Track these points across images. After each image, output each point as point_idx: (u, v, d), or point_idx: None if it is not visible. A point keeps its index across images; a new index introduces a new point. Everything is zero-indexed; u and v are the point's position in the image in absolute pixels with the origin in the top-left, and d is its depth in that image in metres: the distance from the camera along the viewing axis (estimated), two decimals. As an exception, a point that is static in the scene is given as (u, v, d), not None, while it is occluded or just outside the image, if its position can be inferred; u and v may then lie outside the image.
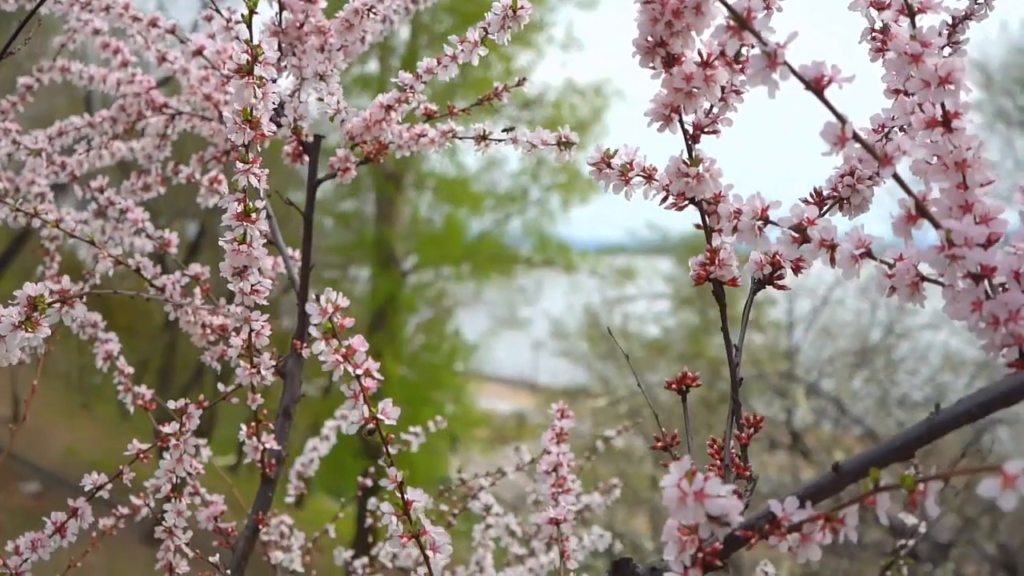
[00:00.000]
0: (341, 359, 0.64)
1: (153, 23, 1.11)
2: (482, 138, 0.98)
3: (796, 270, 0.70)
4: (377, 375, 0.66)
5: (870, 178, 0.70)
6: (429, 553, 0.67)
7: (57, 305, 0.68)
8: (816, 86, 0.53)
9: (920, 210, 0.54)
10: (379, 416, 0.66)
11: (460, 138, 1.00)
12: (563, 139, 0.88)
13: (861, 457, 0.53)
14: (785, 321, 7.97)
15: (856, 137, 0.52)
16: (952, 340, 7.97)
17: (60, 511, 0.97)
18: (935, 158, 0.57)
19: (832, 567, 6.52)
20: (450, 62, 0.95)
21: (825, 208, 0.71)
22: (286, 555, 1.31)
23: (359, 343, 0.65)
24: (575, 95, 10.50)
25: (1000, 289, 0.55)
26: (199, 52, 1.07)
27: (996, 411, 0.51)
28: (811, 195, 0.72)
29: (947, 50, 0.74)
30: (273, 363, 0.94)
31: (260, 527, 1.02)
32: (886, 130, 0.71)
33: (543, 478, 1.00)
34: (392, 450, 0.69)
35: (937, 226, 0.53)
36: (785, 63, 0.52)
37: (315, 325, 0.63)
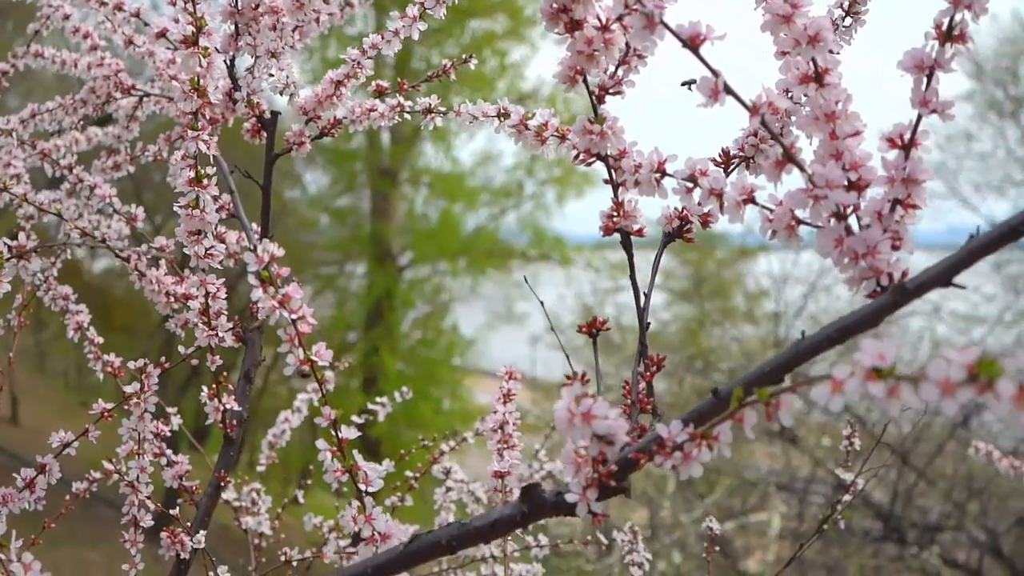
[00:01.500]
0: (277, 305, 0.70)
1: (118, 7, 1.16)
2: (428, 111, 1.04)
3: (704, 224, 0.75)
4: (312, 320, 0.71)
5: (773, 138, 0.75)
6: (362, 486, 0.72)
7: (14, 260, 0.73)
8: (692, 44, 0.58)
9: (788, 156, 0.59)
10: (313, 358, 0.71)
11: (409, 112, 1.06)
12: (502, 111, 0.93)
13: (736, 382, 0.58)
14: (773, 312, 8.04)
15: (728, 90, 0.58)
16: (940, 328, 8.04)
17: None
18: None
19: (822, 555, 6.59)
20: (393, 36, 1.00)
21: (732, 166, 0.76)
22: (255, 519, 1.37)
23: (294, 291, 0.70)
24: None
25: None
26: (162, 34, 1.12)
27: (854, 336, 0.56)
28: (719, 154, 0.77)
29: (848, 20, 0.80)
30: (230, 326, 0.99)
31: (222, 484, 1.08)
32: (789, 93, 0.76)
33: (489, 435, 1.05)
34: (332, 391, 0.74)
35: (803, 170, 0.58)
36: (662, 23, 0.57)
37: (252, 273, 0.68)
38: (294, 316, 0.70)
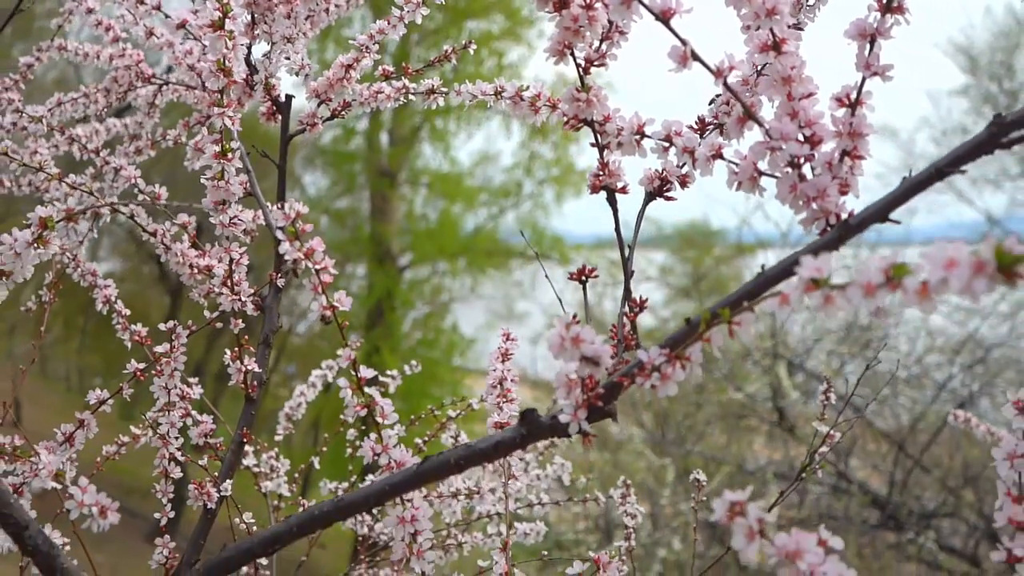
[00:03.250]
0: (303, 257, 0.78)
1: (140, 1, 1.25)
2: (431, 92, 1.12)
3: (683, 184, 0.84)
4: (333, 271, 0.80)
5: (735, 97, 0.83)
6: (379, 419, 0.81)
7: (64, 222, 0.82)
8: (664, 17, 0.66)
9: (747, 113, 0.67)
10: (335, 304, 0.80)
11: (413, 94, 1.14)
12: (498, 89, 1.01)
13: (704, 309, 0.67)
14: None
15: (695, 56, 0.66)
16: (936, 319, 8.13)
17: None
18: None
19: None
20: (398, 22, 1.09)
21: (708, 131, 0.85)
22: (274, 482, 1.45)
23: (318, 244, 0.79)
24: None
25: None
26: (182, 26, 1.21)
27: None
28: (695, 121, 0.85)
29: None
30: (252, 291, 1.07)
31: (245, 442, 1.16)
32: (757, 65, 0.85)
33: (489, 391, 1.13)
34: (369, 377, 0.83)
35: (761, 125, 0.67)
36: (637, -1, 0.66)
37: (279, 228, 0.77)
38: (317, 267, 0.78)
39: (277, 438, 1.58)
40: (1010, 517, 0.64)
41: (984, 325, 8.11)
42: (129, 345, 1.24)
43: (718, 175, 0.71)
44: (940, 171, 0.61)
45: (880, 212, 0.62)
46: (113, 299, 1.29)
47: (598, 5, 0.74)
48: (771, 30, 0.69)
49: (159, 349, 1.06)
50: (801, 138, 0.68)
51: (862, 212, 0.64)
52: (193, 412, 1.23)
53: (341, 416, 1.59)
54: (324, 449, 1.62)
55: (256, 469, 1.45)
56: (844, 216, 0.66)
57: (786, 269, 0.65)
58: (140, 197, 1.27)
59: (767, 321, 8.68)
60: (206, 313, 1.11)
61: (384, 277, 11.26)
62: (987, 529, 6.22)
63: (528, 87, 0.88)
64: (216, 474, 1.09)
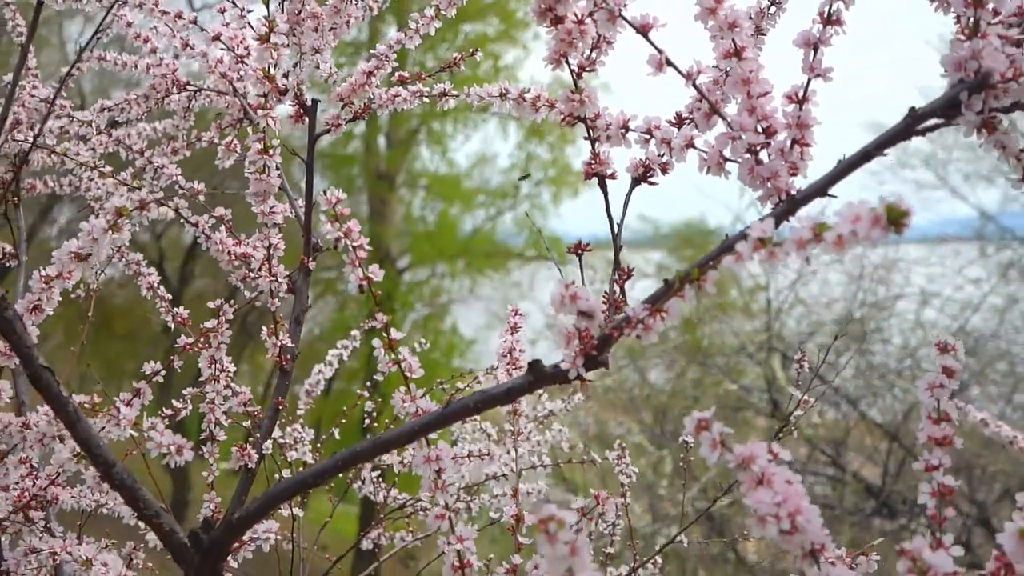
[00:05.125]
0: (343, 236, 0.92)
1: (179, 16, 1.39)
2: (443, 95, 1.26)
3: (663, 171, 0.98)
4: (367, 247, 0.94)
5: (703, 97, 0.97)
6: (408, 374, 0.95)
7: (137, 211, 0.95)
8: (643, 30, 0.81)
9: (712, 109, 0.82)
10: (370, 275, 0.94)
11: (427, 97, 1.28)
12: (503, 91, 1.15)
13: (677, 273, 0.81)
14: (767, 301, 8.28)
15: (669, 63, 0.80)
16: (931, 314, 8.28)
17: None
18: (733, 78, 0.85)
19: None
20: (413, 33, 1.23)
21: (684, 126, 0.99)
22: (299, 451, 1.59)
23: (355, 225, 0.93)
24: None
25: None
26: (217, 38, 1.35)
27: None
28: (674, 116, 0.99)
29: (772, 8, 1.02)
30: (287, 273, 1.21)
31: (280, 408, 1.30)
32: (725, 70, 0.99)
33: (500, 360, 1.27)
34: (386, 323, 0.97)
35: (724, 119, 0.81)
36: (621, 16, 0.80)
37: (323, 211, 0.91)
38: (355, 244, 0.93)
39: (299, 412, 1.72)
40: (929, 435, 0.78)
41: (976, 318, 8.26)
42: (172, 327, 1.39)
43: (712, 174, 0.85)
44: (867, 154, 0.75)
45: (820, 189, 0.76)
46: (156, 285, 1.43)
47: (588, 20, 0.88)
48: (732, 40, 0.83)
49: (207, 325, 1.19)
50: (758, 129, 0.82)
51: (805, 189, 0.78)
52: (233, 384, 1.37)
53: (357, 390, 1.73)
54: (343, 421, 1.76)
55: (282, 440, 1.59)
56: (793, 193, 0.80)
57: (742, 234, 0.79)
58: (180, 193, 1.41)
59: (763, 318, 8.83)
60: (245, 294, 1.24)
61: (384, 279, 11.36)
62: (979, 516, 6.38)
63: (530, 89, 1.02)
64: (258, 434, 1.23)
